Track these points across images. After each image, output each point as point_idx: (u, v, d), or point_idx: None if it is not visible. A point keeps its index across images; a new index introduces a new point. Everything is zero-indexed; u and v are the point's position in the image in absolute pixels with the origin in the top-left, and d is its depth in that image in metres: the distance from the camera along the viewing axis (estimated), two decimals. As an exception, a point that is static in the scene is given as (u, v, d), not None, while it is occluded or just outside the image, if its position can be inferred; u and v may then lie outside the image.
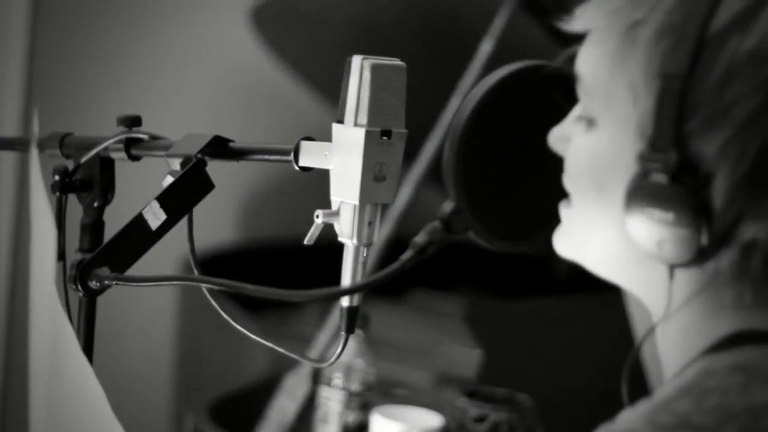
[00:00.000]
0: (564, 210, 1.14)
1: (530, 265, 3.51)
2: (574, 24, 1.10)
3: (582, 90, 1.10)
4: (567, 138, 1.12)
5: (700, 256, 1.01)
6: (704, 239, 1.00)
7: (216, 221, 3.54)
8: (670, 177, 1.00)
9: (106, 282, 1.27)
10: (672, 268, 1.03)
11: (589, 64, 1.08)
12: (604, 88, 1.07)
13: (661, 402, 0.99)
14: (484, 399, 2.20)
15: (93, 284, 1.27)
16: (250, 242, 3.65)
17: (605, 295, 2.53)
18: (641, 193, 1.02)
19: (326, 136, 1.29)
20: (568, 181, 1.12)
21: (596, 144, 1.08)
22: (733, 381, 0.99)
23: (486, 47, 2.68)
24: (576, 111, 1.12)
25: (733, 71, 1.00)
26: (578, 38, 1.12)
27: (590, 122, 1.09)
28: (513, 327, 2.95)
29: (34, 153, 1.15)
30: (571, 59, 1.12)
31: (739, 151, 0.99)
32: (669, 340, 1.09)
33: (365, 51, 1.26)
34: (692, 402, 0.98)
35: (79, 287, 1.28)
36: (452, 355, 2.90)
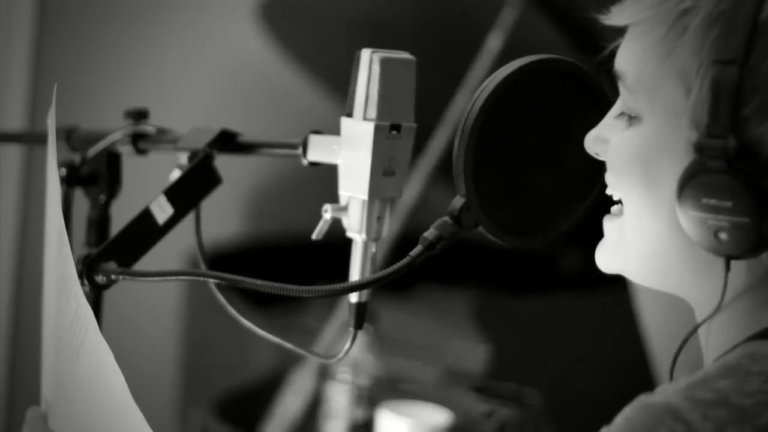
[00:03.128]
0: (609, 222, 1.13)
1: (538, 261, 3.50)
2: (613, 18, 1.09)
3: (624, 86, 1.08)
4: (604, 139, 1.11)
5: (758, 246, 1.00)
6: (765, 227, 0.98)
7: (222, 216, 3.53)
8: (728, 164, 0.99)
9: (113, 277, 1.26)
10: (728, 259, 1.02)
11: (632, 59, 1.07)
12: (651, 80, 1.05)
13: (702, 379, 0.99)
14: (491, 395, 2.20)
15: (100, 279, 1.27)
16: (256, 237, 3.64)
17: (612, 292, 2.53)
18: (697, 182, 1.01)
19: (333, 131, 1.28)
20: (613, 180, 1.11)
21: (643, 138, 1.06)
22: None
23: (494, 41, 2.67)
24: (614, 110, 1.11)
25: None
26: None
27: (633, 118, 1.08)
28: (521, 323, 2.95)
29: (51, 134, 1.15)
30: (612, 54, 1.11)
31: None
32: (714, 330, 1.08)
33: (373, 45, 1.25)
34: (734, 382, 0.97)
35: (86, 282, 1.27)
36: (460, 351, 2.89)
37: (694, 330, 1.08)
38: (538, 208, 1.18)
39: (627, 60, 1.08)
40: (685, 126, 1.03)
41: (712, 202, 1.00)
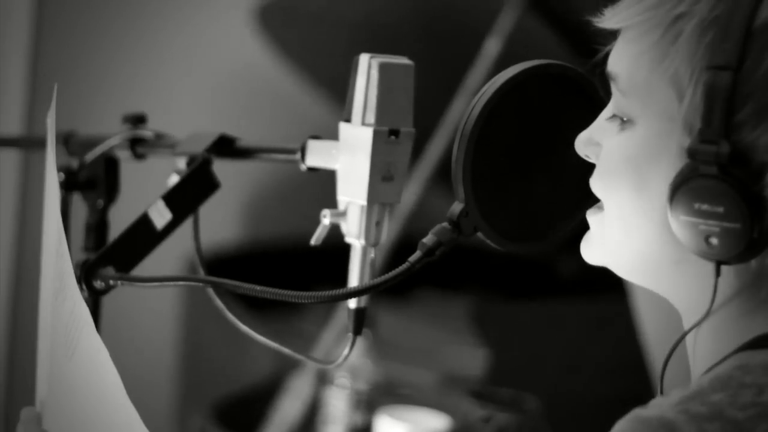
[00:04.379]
0: (592, 216, 1.13)
1: (537, 266, 3.50)
2: (606, 22, 1.08)
3: (617, 88, 1.08)
4: (596, 142, 1.11)
5: (749, 252, 1.00)
6: (755, 233, 0.98)
7: (221, 221, 3.53)
8: (720, 170, 0.99)
9: (112, 282, 1.26)
10: (719, 264, 1.02)
11: (625, 61, 1.07)
12: (644, 84, 1.05)
13: (695, 392, 0.98)
14: (489, 400, 2.20)
15: (98, 284, 1.26)
16: (255, 242, 3.64)
17: (611, 297, 2.53)
18: (689, 187, 1.01)
19: (331, 136, 1.28)
20: (600, 183, 1.10)
21: (634, 142, 1.06)
22: None
23: (491, 46, 2.68)
24: (606, 112, 1.11)
25: None
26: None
27: (625, 121, 1.08)
28: (519, 328, 2.95)
29: (50, 133, 1.15)
30: (606, 57, 1.11)
31: None
32: (702, 337, 1.08)
33: (370, 49, 1.24)
34: (727, 395, 0.97)
35: (84, 287, 1.27)
36: (458, 356, 2.89)
37: (684, 336, 1.08)
38: (536, 214, 1.18)
39: (620, 62, 1.08)
40: (678, 131, 1.03)
41: (704, 207, 1.00)
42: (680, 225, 1.01)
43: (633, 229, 1.07)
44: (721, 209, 0.99)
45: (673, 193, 1.01)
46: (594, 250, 1.13)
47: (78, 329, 1.14)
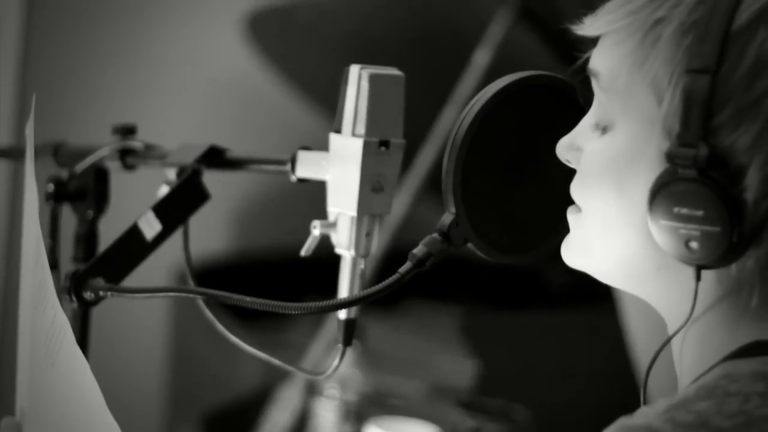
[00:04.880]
0: (572, 218, 1.13)
1: (526, 276, 3.50)
2: (587, 29, 1.09)
3: (598, 86, 1.08)
4: (577, 147, 1.11)
5: (729, 255, 1.00)
6: (735, 236, 0.98)
7: (210, 232, 3.53)
8: (699, 173, 0.99)
9: (101, 293, 1.26)
10: (699, 269, 1.02)
11: (605, 66, 1.07)
12: (624, 88, 1.06)
13: (681, 401, 0.98)
14: (479, 410, 2.20)
15: (87, 295, 1.26)
16: (245, 253, 3.64)
17: (600, 307, 2.53)
18: (668, 191, 1.01)
19: (321, 147, 1.28)
20: (581, 188, 1.10)
21: (615, 146, 1.06)
22: (755, 388, 0.99)
23: (481, 57, 2.68)
24: (588, 119, 1.11)
25: (762, 63, 0.99)
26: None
27: (606, 126, 1.08)
28: (508, 338, 2.95)
29: (29, 145, 1.15)
30: (585, 63, 1.11)
31: None
32: (688, 345, 1.08)
33: (361, 60, 1.25)
34: (713, 404, 0.97)
35: (74, 298, 1.26)
36: (447, 366, 2.89)
37: (666, 343, 1.08)
38: (527, 224, 1.18)
39: (602, 62, 1.08)
40: (658, 135, 1.03)
41: (684, 211, 1.00)
42: (660, 229, 1.02)
43: (614, 234, 1.07)
44: (700, 213, 0.99)
45: (652, 198, 1.02)
46: (575, 255, 1.13)
47: (58, 339, 1.13)
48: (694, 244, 1.00)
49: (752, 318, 1.04)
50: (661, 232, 1.02)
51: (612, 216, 1.07)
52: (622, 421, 0.98)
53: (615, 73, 1.06)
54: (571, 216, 1.13)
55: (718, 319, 1.05)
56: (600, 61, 1.08)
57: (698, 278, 1.02)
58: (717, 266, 1.01)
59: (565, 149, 1.12)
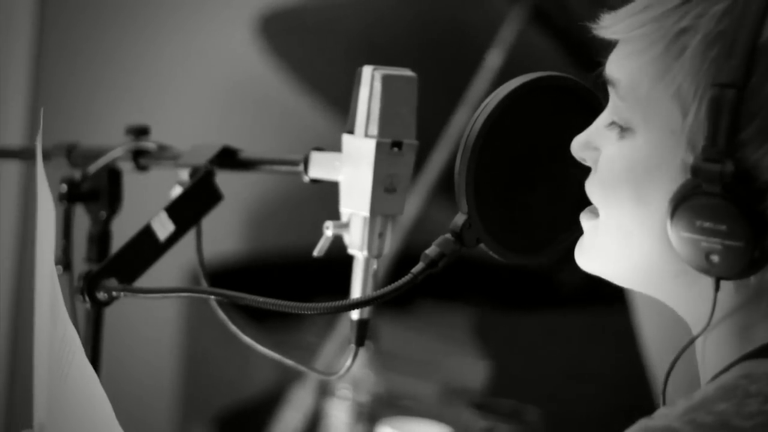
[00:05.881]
0: (587, 221, 1.12)
1: (538, 277, 3.50)
2: (606, 31, 1.08)
3: (616, 93, 1.08)
4: (594, 146, 1.10)
5: (750, 269, 0.99)
6: (757, 252, 0.98)
7: (223, 232, 3.53)
8: (724, 188, 0.99)
9: (114, 293, 1.26)
10: (718, 280, 1.02)
11: (624, 74, 1.06)
12: (646, 97, 1.04)
13: (700, 402, 0.98)
14: (491, 411, 2.20)
15: (101, 295, 1.27)
16: (257, 254, 3.64)
17: (611, 308, 2.53)
18: (692, 204, 1.00)
19: (334, 147, 1.28)
20: (599, 191, 1.10)
21: (636, 152, 1.05)
22: None
23: (493, 58, 2.68)
24: (605, 117, 1.10)
25: None
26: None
27: (625, 129, 1.07)
28: (520, 339, 2.95)
29: (39, 157, 1.15)
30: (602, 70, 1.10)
31: None
32: (709, 348, 1.07)
33: (373, 61, 1.25)
34: (733, 405, 0.97)
35: (87, 299, 1.27)
36: (459, 367, 2.89)
37: (686, 347, 1.08)
38: (539, 225, 1.18)
39: (620, 69, 1.07)
40: (681, 146, 1.02)
41: (707, 224, 0.99)
42: (681, 241, 1.01)
43: (631, 241, 1.07)
44: (723, 227, 0.99)
45: (674, 209, 1.01)
46: (590, 259, 1.12)
47: (69, 354, 1.13)
48: (715, 258, 1.00)
49: None
50: (682, 244, 1.01)
51: (629, 223, 1.06)
52: (643, 423, 0.98)
53: (635, 81, 1.05)
54: (586, 220, 1.12)
55: (737, 325, 1.05)
56: (618, 69, 1.07)
57: (717, 288, 1.02)
58: (737, 278, 1.01)
59: (580, 148, 1.11)
